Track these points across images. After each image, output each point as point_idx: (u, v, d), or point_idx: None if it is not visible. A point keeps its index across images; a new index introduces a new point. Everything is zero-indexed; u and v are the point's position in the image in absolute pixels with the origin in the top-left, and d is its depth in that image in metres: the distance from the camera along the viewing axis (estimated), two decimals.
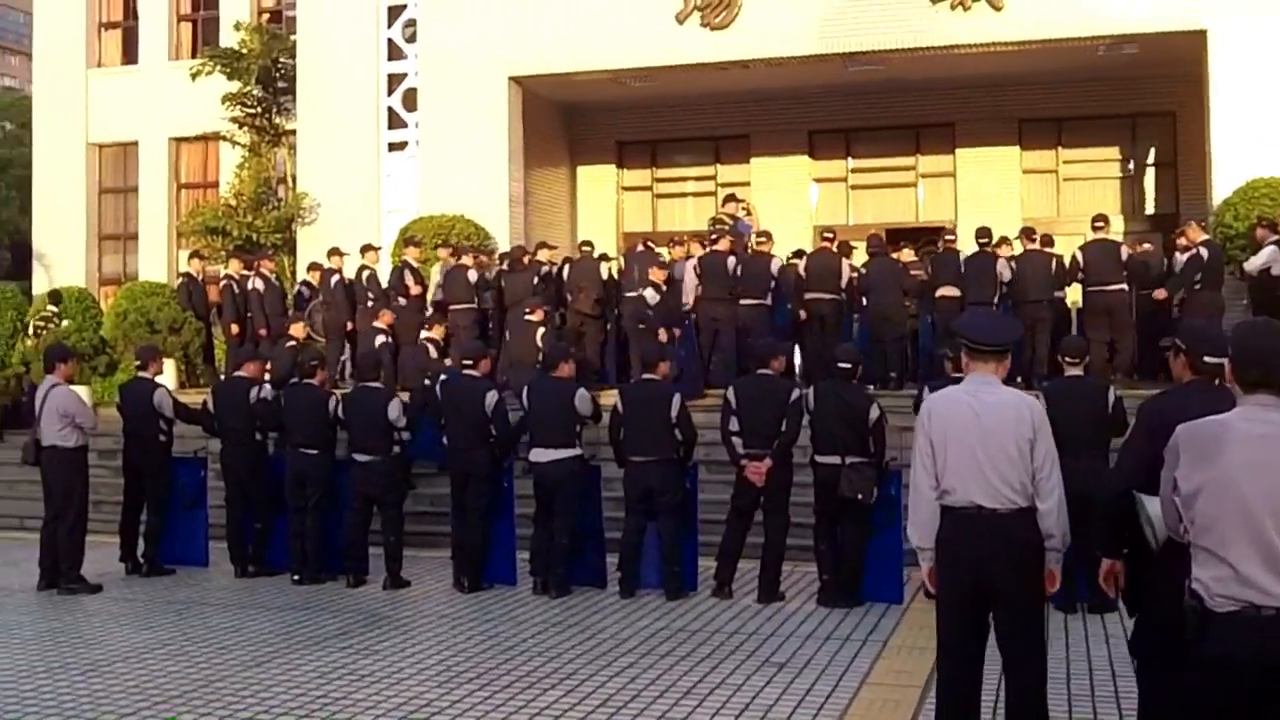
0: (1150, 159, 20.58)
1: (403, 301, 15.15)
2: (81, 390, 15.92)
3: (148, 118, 23.70)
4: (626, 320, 14.69)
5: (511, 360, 14.02)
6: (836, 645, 8.22)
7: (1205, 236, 14.22)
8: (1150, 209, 20.48)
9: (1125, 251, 13.92)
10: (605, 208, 22.59)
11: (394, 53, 20.71)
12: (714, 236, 15.48)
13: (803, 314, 14.55)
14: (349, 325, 16.00)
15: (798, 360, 14.35)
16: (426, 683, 7.20)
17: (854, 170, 21.80)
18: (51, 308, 17.64)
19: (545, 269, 15.96)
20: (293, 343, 13.54)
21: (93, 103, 24.29)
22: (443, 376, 11.18)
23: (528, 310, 13.98)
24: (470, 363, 10.35)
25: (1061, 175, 21.01)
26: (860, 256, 15.60)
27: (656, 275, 14.12)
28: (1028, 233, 14.80)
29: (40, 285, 23.46)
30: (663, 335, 13.66)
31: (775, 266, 14.38)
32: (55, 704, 6.84)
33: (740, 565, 9.88)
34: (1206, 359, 5.21)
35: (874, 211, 21.38)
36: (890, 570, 9.58)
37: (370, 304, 15.37)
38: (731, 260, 14.79)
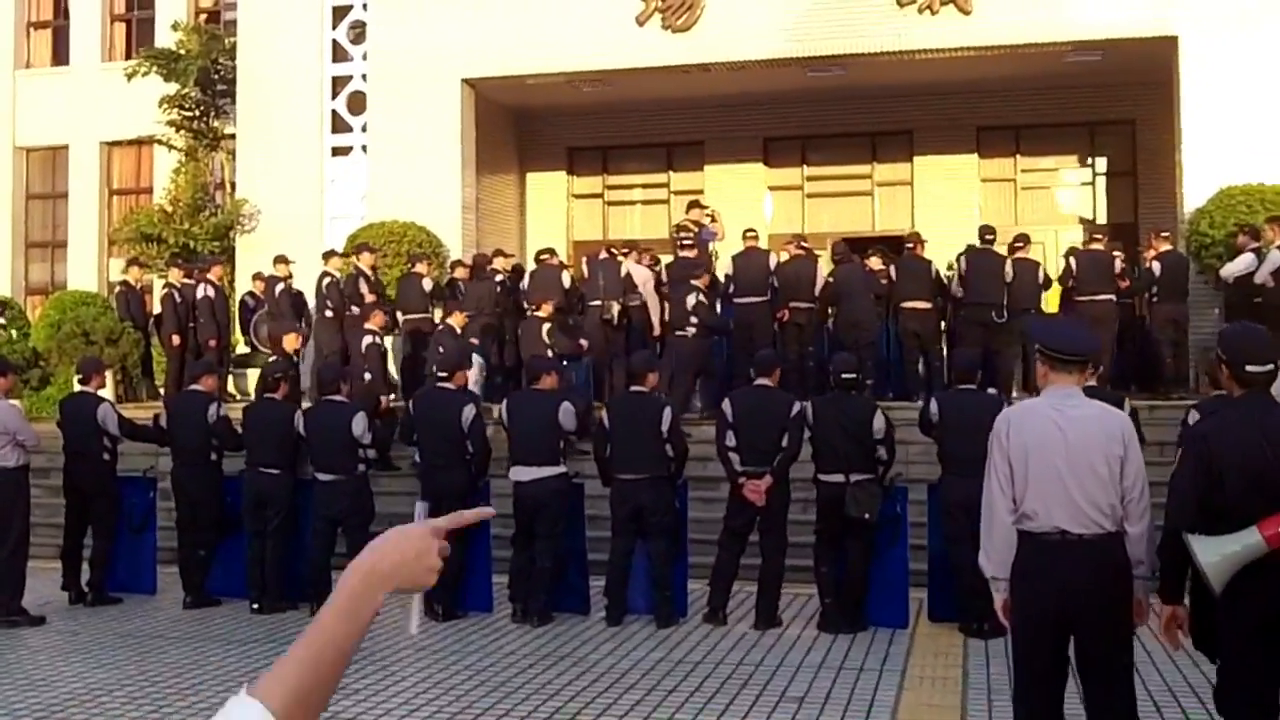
0: (1109, 168, 20.37)
1: (356, 310, 14.44)
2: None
3: (79, 121, 22.70)
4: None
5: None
6: (852, 676, 7.70)
7: (1166, 248, 13.99)
8: (1109, 218, 20.25)
9: (1119, 264, 13.61)
10: (555, 215, 21.97)
11: (339, 54, 19.97)
12: (681, 243, 14.98)
13: (785, 314, 14.06)
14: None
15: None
16: None
17: (810, 178, 21.38)
18: None
19: (500, 277, 15.37)
20: (372, 338, 12.81)
21: (21, 105, 23.22)
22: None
23: (535, 307, 13.40)
24: (445, 375, 9.69)
25: (1020, 184, 20.75)
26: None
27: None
28: (1020, 239, 14.43)
29: None
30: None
31: (773, 262, 13.90)
32: None
33: (732, 588, 9.34)
34: (1249, 369, 4.86)
35: (830, 220, 20.96)
36: (895, 593, 9.11)
37: (329, 313, 14.61)
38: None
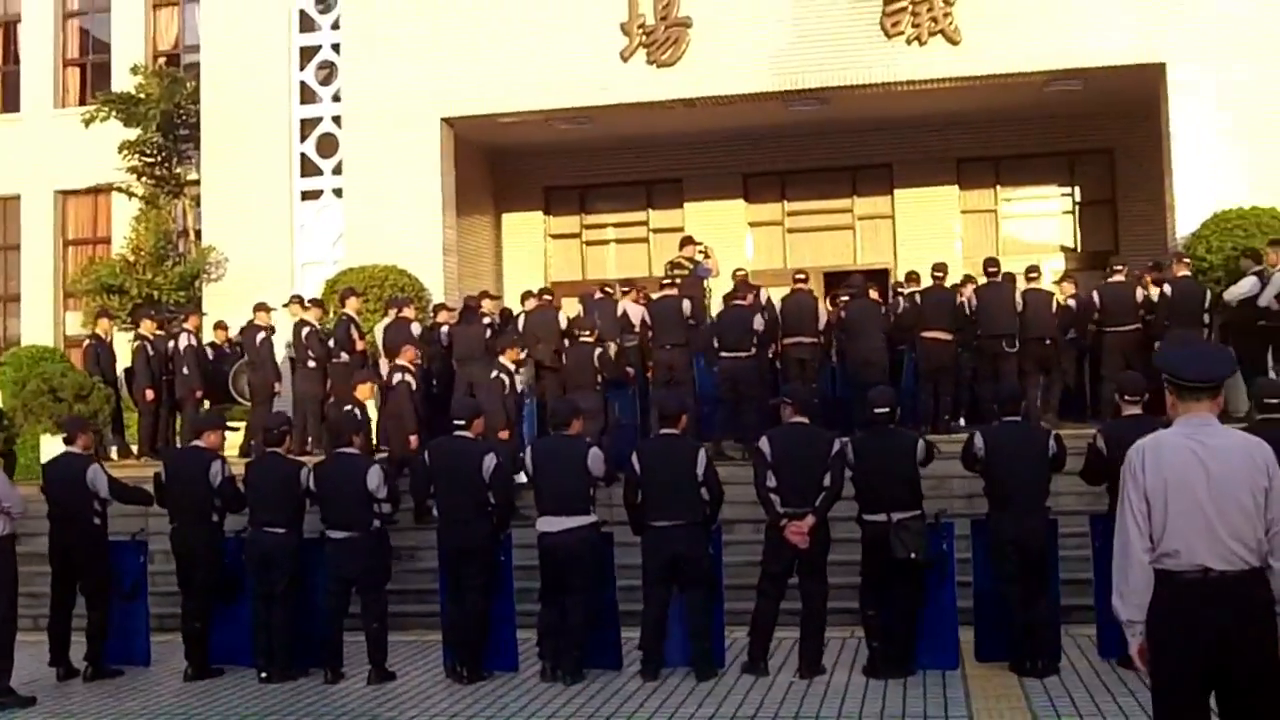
0: (1088, 196, 20.28)
1: (345, 357, 13.92)
2: None
3: (31, 169, 22.03)
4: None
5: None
6: None
7: (1185, 273, 13.82)
8: (1090, 246, 20.14)
9: (1140, 293, 13.41)
10: (532, 256, 21.54)
11: (307, 96, 19.46)
12: (666, 281, 14.62)
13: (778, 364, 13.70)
14: (276, 387, 14.67)
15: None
16: None
17: (790, 213, 21.11)
18: None
19: (488, 320, 14.92)
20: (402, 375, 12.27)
21: None
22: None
23: (580, 332, 13.10)
24: (463, 422, 9.19)
25: (1000, 214, 20.61)
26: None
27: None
28: (1033, 269, 14.22)
29: None
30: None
31: (759, 323, 13.39)
32: None
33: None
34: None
35: (811, 255, 20.69)
36: (944, 634, 8.72)
37: (312, 363, 14.06)
38: (686, 304, 13.95)
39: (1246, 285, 13.48)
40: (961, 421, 13.80)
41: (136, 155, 20.09)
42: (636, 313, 14.32)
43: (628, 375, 13.13)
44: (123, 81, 20.80)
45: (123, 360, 15.72)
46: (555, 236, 21.77)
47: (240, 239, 19.19)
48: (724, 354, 13.27)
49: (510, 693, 8.50)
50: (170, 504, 9.63)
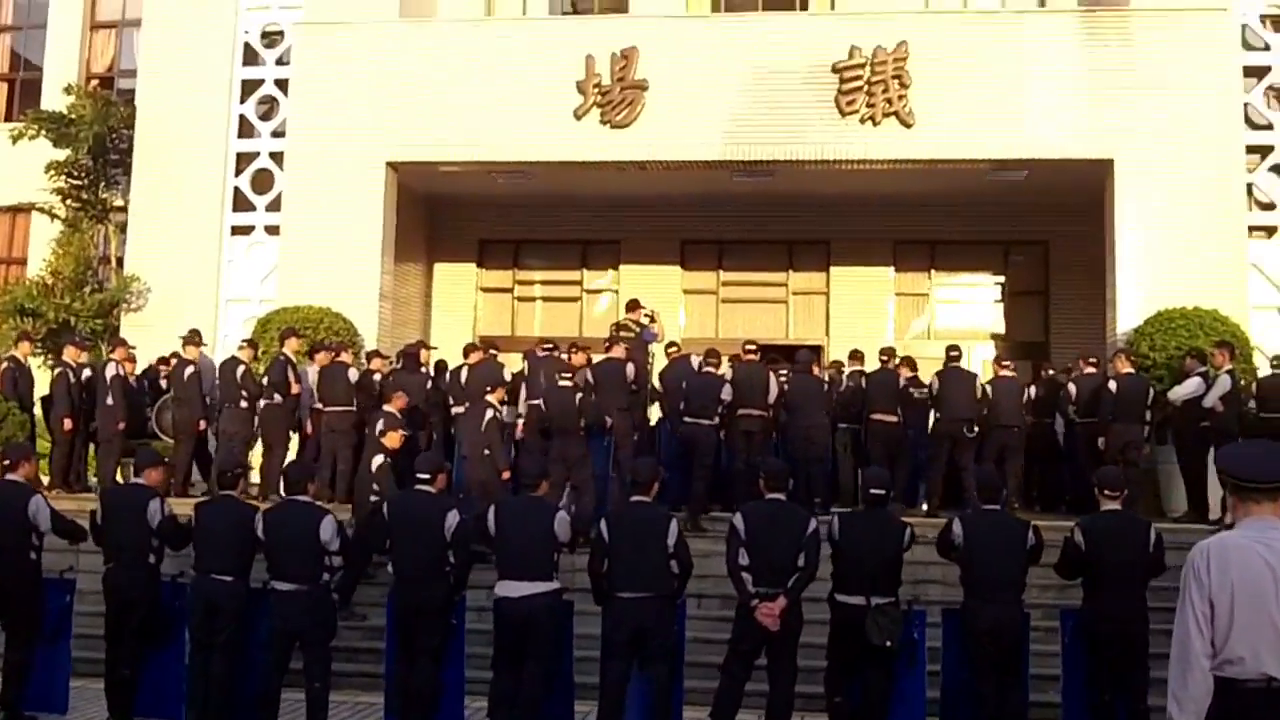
0: (1020, 286, 20.54)
1: (278, 398, 13.42)
2: None
3: None
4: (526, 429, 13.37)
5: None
6: None
7: (1128, 369, 13.95)
8: (1019, 335, 20.38)
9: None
10: (462, 308, 21.18)
11: (245, 130, 19.06)
12: (609, 343, 14.39)
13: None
14: (202, 425, 14.10)
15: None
16: None
17: (725, 283, 21.07)
18: None
19: (424, 369, 14.58)
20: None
21: None
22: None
23: (561, 376, 12.86)
24: (427, 477, 8.83)
25: (934, 298, 20.79)
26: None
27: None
28: (1004, 359, 14.29)
29: None
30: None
31: (726, 393, 13.21)
32: None
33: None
34: None
35: (744, 327, 20.55)
36: None
37: (243, 403, 13.53)
38: (630, 367, 13.74)
39: (1191, 385, 13.64)
40: (924, 506, 13.80)
41: (63, 177, 19.42)
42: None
43: (604, 424, 12.82)
44: (53, 101, 20.15)
45: (40, 387, 15.00)
46: (487, 290, 21.44)
47: (164, 269, 18.66)
48: (687, 419, 13.08)
49: None
50: (106, 542, 9.08)
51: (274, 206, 18.53)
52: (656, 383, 14.93)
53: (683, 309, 20.91)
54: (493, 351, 14.32)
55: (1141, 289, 15.84)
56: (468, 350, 14.61)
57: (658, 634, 8.34)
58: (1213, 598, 4.46)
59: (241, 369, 13.74)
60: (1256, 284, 16.36)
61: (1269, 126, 16.80)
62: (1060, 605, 9.16)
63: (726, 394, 13.12)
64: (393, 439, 11.28)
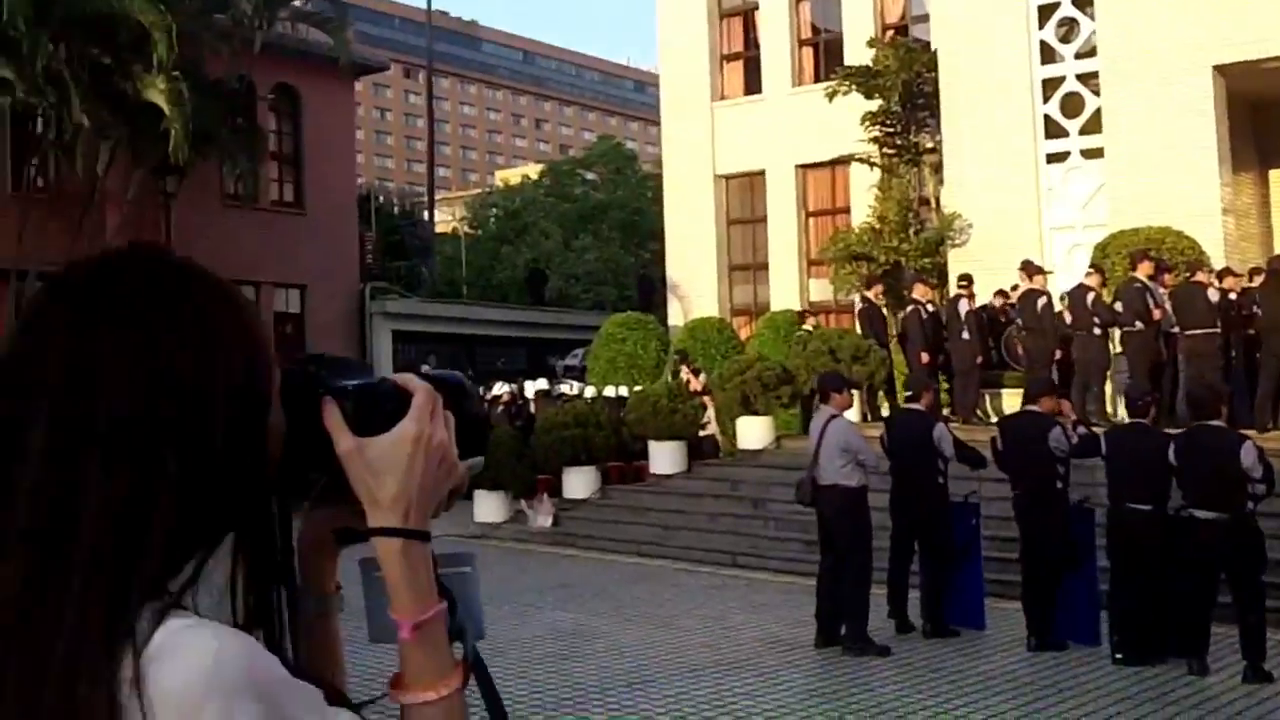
0: None
1: (1140, 326, 13.20)
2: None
3: (773, 146, 23.22)
4: None
5: None
6: None
7: None
8: None
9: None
10: None
11: (1046, 56, 18.87)
12: None
13: None
14: (1057, 353, 14.23)
15: None
16: None
17: None
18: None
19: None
20: None
21: (719, 135, 24.15)
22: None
23: None
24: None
25: None
26: None
27: None
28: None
29: (675, 317, 23.55)
30: None
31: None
32: None
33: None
34: None
35: None
36: None
37: (1095, 330, 13.48)
38: None
39: None
40: None
41: (877, 126, 20.49)
42: None
43: None
44: (856, 56, 21.26)
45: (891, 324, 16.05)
46: None
47: (981, 205, 19.03)
48: None
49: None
50: (1012, 469, 9.47)
51: (1086, 130, 18.20)
52: None
53: None
54: None
55: None
56: None
57: None
58: None
59: (1091, 295, 13.68)
60: None
61: None
62: None
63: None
64: None
